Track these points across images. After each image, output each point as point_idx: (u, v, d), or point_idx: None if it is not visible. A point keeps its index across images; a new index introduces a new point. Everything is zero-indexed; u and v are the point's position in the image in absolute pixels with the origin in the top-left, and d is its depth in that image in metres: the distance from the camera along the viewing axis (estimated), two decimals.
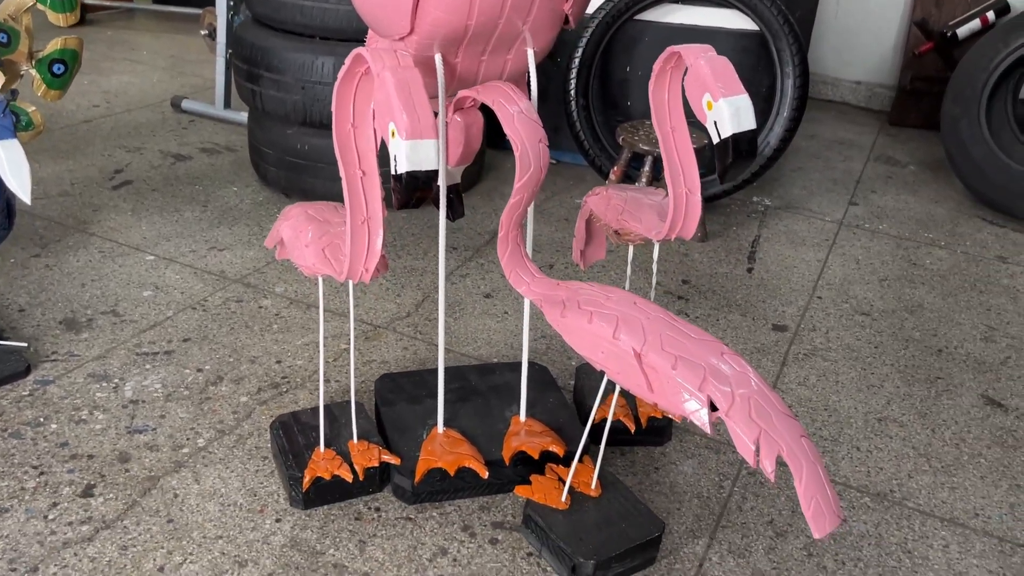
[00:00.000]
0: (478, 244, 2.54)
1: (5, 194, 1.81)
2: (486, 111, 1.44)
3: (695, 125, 1.45)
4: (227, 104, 3.42)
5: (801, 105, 2.73)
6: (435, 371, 1.58)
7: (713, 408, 1.12)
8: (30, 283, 2.17)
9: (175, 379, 1.84)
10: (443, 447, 1.53)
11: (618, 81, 2.98)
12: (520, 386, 1.62)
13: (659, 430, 1.72)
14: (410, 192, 1.13)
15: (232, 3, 3.27)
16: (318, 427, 1.57)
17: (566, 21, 1.35)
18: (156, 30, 4.87)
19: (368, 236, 1.31)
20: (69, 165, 2.92)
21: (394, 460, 1.53)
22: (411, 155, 1.12)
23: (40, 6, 1.83)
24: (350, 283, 1.40)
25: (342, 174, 1.27)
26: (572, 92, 2.86)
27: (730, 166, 1.25)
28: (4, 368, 1.79)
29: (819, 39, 4.22)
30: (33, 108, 1.92)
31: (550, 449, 1.55)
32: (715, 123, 1.24)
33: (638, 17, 2.87)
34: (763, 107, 2.80)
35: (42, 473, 1.55)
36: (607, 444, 1.69)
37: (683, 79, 1.31)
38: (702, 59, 1.25)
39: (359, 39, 1.42)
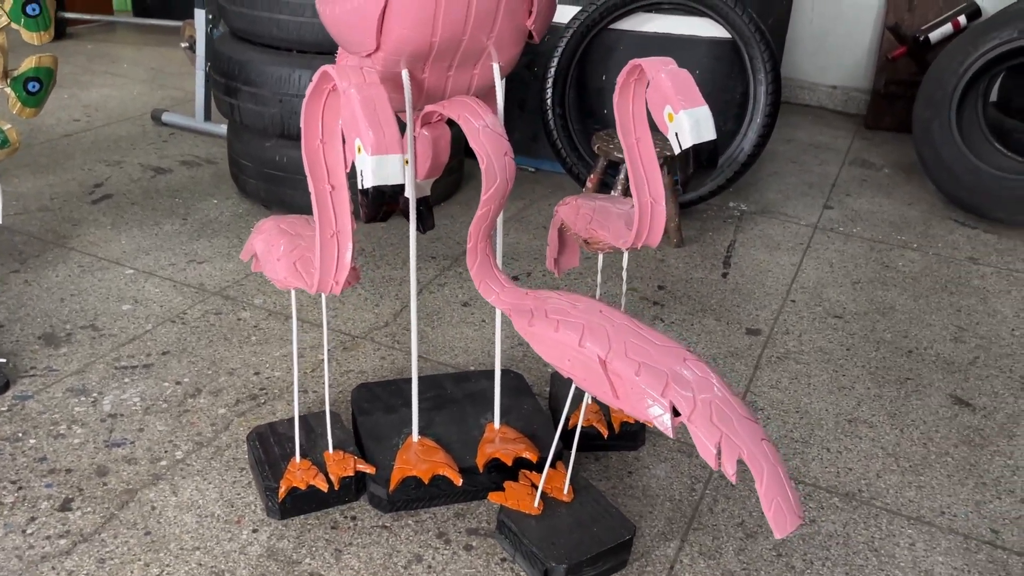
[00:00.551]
0: (456, 254, 2.56)
1: None
2: None
3: (661, 135, 1.48)
4: (207, 116, 3.43)
5: (774, 111, 2.77)
6: (411, 380, 1.60)
7: (676, 413, 1.14)
8: (9, 298, 2.18)
9: (154, 392, 1.85)
10: (418, 455, 1.56)
11: (594, 90, 3.01)
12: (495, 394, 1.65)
13: (632, 435, 1.74)
14: (377, 206, 1.16)
15: (211, 16, 3.29)
16: (294, 438, 1.58)
17: (530, 36, 1.38)
18: (137, 43, 4.87)
19: (338, 249, 1.33)
20: (49, 180, 2.92)
21: (369, 469, 1.55)
22: (377, 170, 1.15)
23: (14, 25, 1.84)
24: (323, 295, 1.42)
25: (311, 188, 1.30)
26: (549, 101, 2.89)
27: (691, 175, 1.29)
28: None
29: (795, 44, 4.27)
30: (9, 126, 1.93)
31: (523, 456, 1.57)
32: (676, 134, 1.27)
33: (613, 26, 2.90)
34: (737, 113, 2.83)
35: (20, 488, 1.57)
36: (582, 449, 1.72)
37: (646, 91, 1.34)
38: (663, 72, 1.28)
39: (335, 52, 1.45)
